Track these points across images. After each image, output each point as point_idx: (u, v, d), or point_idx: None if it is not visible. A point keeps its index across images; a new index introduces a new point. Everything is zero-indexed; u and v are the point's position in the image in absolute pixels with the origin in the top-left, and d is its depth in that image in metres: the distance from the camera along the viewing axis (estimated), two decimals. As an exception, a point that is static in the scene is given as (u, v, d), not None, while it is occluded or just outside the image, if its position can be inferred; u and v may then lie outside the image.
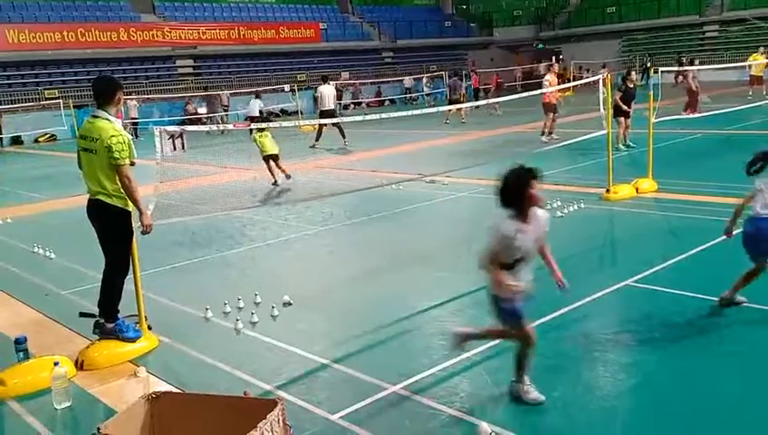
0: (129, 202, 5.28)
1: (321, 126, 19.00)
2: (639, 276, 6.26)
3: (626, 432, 3.85)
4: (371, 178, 12.69)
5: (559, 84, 16.64)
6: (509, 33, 48.48)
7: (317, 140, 19.14)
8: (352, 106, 35.43)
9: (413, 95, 37.18)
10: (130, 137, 5.41)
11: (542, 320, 5.37)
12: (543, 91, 14.87)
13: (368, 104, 35.53)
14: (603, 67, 15.18)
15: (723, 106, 15.46)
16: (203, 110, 28.89)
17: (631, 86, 14.25)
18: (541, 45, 46.49)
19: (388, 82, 38.65)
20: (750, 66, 22.05)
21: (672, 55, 36.36)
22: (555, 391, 4.30)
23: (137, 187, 5.23)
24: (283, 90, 29.74)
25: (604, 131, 10.04)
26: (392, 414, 4.20)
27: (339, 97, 27.25)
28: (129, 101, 26.58)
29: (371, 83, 38.33)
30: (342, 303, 6.44)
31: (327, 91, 18.86)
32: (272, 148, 12.93)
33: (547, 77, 16.31)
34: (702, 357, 4.70)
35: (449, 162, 14.24)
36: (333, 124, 18.48)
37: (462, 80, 25.04)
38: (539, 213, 3.95)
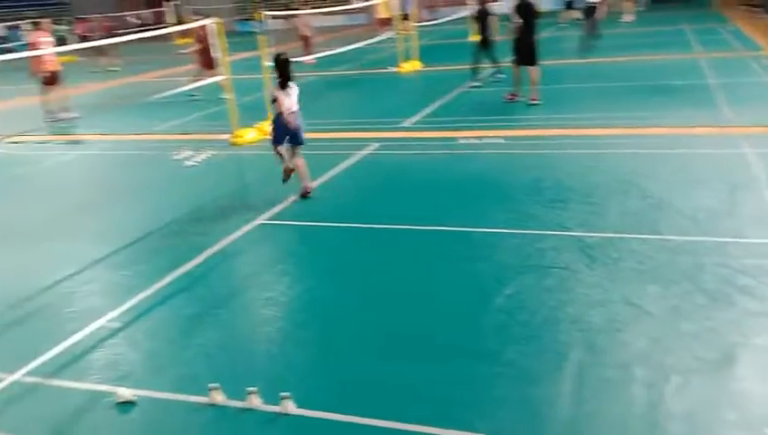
0: None
1: None
2: (271, 213, 6.53)
3: (273, 360, 4.01)
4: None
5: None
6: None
7: None
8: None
9: (8, 45, 32.18)
10: None
11: (182, 270, 5.26)
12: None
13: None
14: (196, 15, 14.44)
15: (329, 48, 16.66)
16: None
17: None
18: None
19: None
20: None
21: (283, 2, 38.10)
22: (199, 338, 4.27)
23: None
24: None
25: (214, 79, 10.11)
26: (14, 405, 3.68)
27: None
28: None
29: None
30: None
31: None
32: None
33: (29, 39, 12.59)
34: (329, 278, 5.11)
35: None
36: None
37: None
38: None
